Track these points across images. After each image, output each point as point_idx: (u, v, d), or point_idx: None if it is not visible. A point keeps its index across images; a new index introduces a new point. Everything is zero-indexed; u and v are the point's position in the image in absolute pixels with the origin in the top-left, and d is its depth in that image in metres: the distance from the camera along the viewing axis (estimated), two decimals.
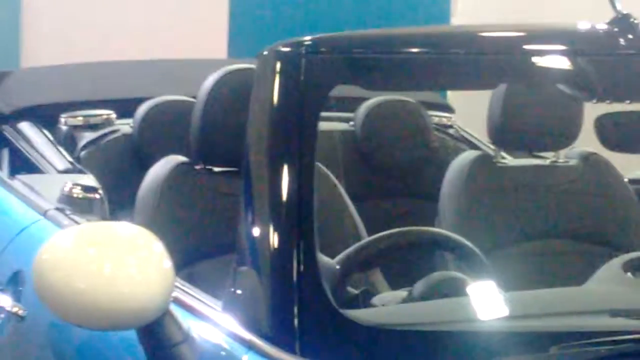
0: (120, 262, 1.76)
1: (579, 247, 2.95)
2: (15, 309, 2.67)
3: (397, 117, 3.61)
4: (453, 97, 4.36)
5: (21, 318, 2.63)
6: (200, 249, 2.72)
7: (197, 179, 2.93)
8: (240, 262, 1.96)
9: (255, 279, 1.93)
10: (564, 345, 1.74)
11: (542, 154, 3.23)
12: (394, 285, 2.33)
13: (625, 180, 3.21)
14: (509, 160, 3.15)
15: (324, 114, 2.24)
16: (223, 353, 1.88)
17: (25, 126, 3.56)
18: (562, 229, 3.02)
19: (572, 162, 3.13)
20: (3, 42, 5.30)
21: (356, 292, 2.22)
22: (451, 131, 3.82)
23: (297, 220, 1.94)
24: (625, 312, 1.96)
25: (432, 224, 2.87)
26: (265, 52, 2.12)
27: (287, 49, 2.11)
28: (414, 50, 2.41)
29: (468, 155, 3.17)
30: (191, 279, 2.43)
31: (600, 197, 3.19)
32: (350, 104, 3.54)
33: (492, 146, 3.19)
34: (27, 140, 3.55)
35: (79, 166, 3.31)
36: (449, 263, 2.55)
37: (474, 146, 3.57)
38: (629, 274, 2.11)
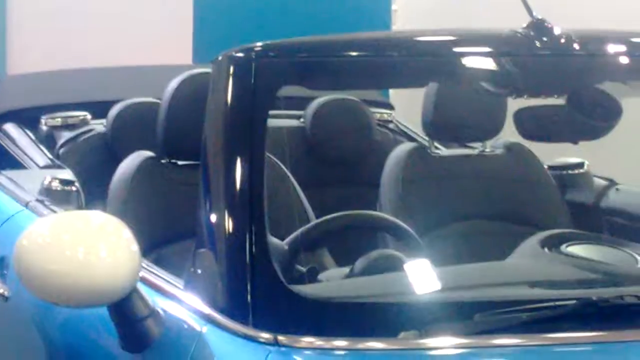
0: (92, 247, 1.82)
1: (503, 227, 2.97)
2: (3, 292, 2.69)
3: (342, 114, 3.65)
4: (395, 95, 4.43)
5: (6, 298, 2.66)
6: (165, 235, 2.73)
7: (162, 171, 2.93)
8: (199, 245, 2.01)
9: (212, 260, 1.98)
10: (488, 313, 1.81)
11: (471, 144, 3.24)
12: (341, 264, 2.35)
13: (545, 166, 3.27)
14: (441, 150, 3.19)
15: (276, 111, 2.44)
16: (185, 326, 1.92)
17: (9, 127, 3.60)
18: (488, 211, 3.04)
19: (498, 151, 3.18)
20: None
21: (303, 270, 2.22)
22: (391, 126, 3.87)
23: (249, 206, 1.97)
24: (541, 283, 2.08)
25: (374, 208, 2.90)
26: (220, 58, 2.14)
27: (239, 55, 2.14)
28: (353, 53, 2.43)
29: (405, 146, 3.22)
30: (158, 262, 2.44)
31: (523, 182, 3.23)
32: (301, 102, 3.58)
33: (426, 138, 3.25)
34: (11, 139, 3.58)
35: (57, 162, 3.35)
36: (388, 243, 2.54)
37: (411, 139, 3.63)
38: (545, 249, 2.19)
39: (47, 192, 2.95)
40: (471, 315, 1.81)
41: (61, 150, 3.51)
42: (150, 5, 5.65)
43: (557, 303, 1.90)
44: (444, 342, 1.78)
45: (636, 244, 2.37)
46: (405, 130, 3.83)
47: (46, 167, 3.29)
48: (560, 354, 1.82)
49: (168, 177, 2.94)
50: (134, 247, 1.86)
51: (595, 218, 3.34)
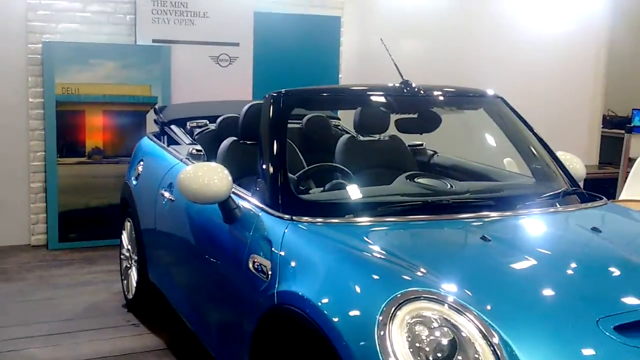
0: (210, 177, 2.73)
1: (389, 171, 3.44)
2: (170, 197, 3.64)
3: (317, 122, 4.31)
4: (341, 114, 5.07)
5: (172, 201, 3.61)
6: (242, 172, 3.25)
7: (240, 146, 3.67)
8: (259, 177, 2.87)
9: (264, 183, 2.83)
10: (384, 206, 2.76)
11: (374, 135, 3.81)
12: (319, 187, 3.19)
13: (407, 145, 4.02)
14: (361, 138, 3.81)
15: (291, 121, 3.37)
16: (252, 212, 2.79)
17: (173, 126, 4.47)
18: (383, 164, 3.64)
19: (386, 138, 3.83)
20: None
21: (303, 188, 3.09)
22: (339, 127, 4.67)
23: (278, 161, 2.85)
24: (406, 194, 3.02)
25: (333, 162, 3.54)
26: (266, 96, 3.15)
27: (274, 94, 3.12)
28: (323, 94, 3.59)
29: (345, 136, 3.86)
30: (239, 184, 3.05)
31: (397, 151, 3.87)
32: (300, 117, 4.32)
33: (355, 133, 3.87)
34: (174, 132, 4.39)
35: (194, 141, 4.15)
36: (339, 177, 3.26)
37: (348, 132, 4.27)
38: (408, 180, 3.14)
39: (190, 155, 3.77)
40: (376, 207, 2.78)
41: (196, 137, 4.26)
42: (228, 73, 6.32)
43: (413, 202, 2.89)
44: (365, 220, 2.65)
45: (446, 178, 3.25)
46: (345, 129, 4.56)
47: (189, 144, 4.06)
48: (413, 225, 2.67)
49: (242, 148, 3.64)
50: (229, 177, 2.75)
51: (428, 168, 3.96)
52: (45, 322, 4.26)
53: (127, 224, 4.59)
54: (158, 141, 4.45)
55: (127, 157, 5.40)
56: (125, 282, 4.67)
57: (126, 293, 4.63)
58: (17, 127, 5.82)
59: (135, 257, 4.37)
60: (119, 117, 5.98)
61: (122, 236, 4.68)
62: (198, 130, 4.40)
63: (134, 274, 4.44)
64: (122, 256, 4.72)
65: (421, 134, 3.70)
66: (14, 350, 3.85)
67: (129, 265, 4.57)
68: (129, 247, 4.56)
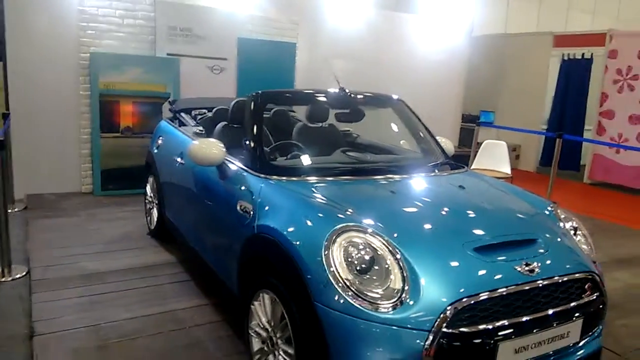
0: (209, 147, 2.79)
1: (328, 148, 3.29)
2: (182, 161, 3.57)
3: (281, 113, 4.04)
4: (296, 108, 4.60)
5: (182, 164, 3.55)
6: (231, 145, 3.03)
7: (229, 128, 3.57)
8: (244, 149, 2.82)
9: (247, 152, 2.79)
10: (326, 170, 2.73)
11: (319, 123, 3.62)
12: (282, 156, 3.08)
13: (340, 130, 3.88)
14: (311, 124, 3.60)
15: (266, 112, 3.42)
16: (238, 172, 2.74)
17: (183, 114, 4.39)
18: (324, 142, 3.47)
19: (326, 125, 3.70)
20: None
21: (273, 157, 3.00)
22: (295, 117, 4.34)
23: (258, 139, 2.82)
24: (341, 162, 3.00)
25: None
26: (249, 94, 3.10)
27: (255, 94, 3.08)
28: (286, 95, 3.63)
29: (300, 123, 3.69)
30: (229, 153, 2.90)
31: (333, 134, 3.75)
32: (269, 110, 3.98)
33: (305, 121, 3.64)
34: (183, 117, 4.33)
35: (198, 124, 4.12)
36: (296, 150, 3.18)
37: (300, 121, 3.91)
38: (342, 153, 3.16)
39: (195, 133, 3.77)
40: (321, 170, 2.74)
41: (198, 121, 4.19)
42: (219, 78, 6.33)
43: (345, 168, 2.88)
44: (313, 178, 2.62)
45: (365, 153, 3.35)
46: (298, 118, 4.30)
47: (194, 126, 4.07)
48: (344, 183, 2.64)
49: (230, 130, 3.54)
50: (223, 147, 2.83)
51: (354, 146, 3.77)
52: (93, 244, 4.22)
53: (150, 179, 4.49)
54: (172, 123, 4.33)
55: (148, 133, 5.30)
56: (148, 218, 4.59)
57: (149, 225, 4.56)
58: (71, 111, 5.68)
59: (156, 201, 4.30)
60: (142, 106, 5.81)
61: (147, 187, 4.59)
62: (200, 116, 4.33)
63: (154, 213, 4.37)
64: (146, 200, 4.64)
65: (351, 123, 3.63)
66: (73, 263, 3.81)
67: (150, 207, 4.49)
68: (151, 194, 4.48)
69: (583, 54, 8.96)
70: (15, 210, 5.01)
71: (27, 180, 5.48)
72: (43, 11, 5.37)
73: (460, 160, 3.34)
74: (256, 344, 2.38)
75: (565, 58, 9.17)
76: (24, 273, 3.55)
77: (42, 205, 5.23)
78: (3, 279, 3.44)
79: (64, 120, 5.65)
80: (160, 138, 4.30)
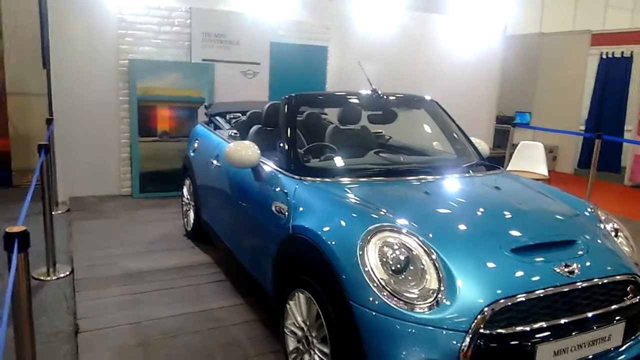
0: (245, 150, 2.83)
1: (360, 149, 3.31)
2: (217, 164, 3.59)
3: (315, 117, 4.20)
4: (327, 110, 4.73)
5: (219, 166, 3.58)
6: (267, 148, 3.17)
7: (264, 131, 3.65)
8: (279, 151, 2.84)
9: (282, 155, 2.80)
10: (360, 172, 2.74)
11: (351, 126, 3.62)
12: (316, 158, 3.09)
13: (372, 132, 3.84)
14: (342, 126, 3.61)
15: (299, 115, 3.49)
16: (273, 174, 2.77)
17: (218, 117, 4.47)
18: (356, 144, 3.47)
19: (358, 127, 3.69)
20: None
21: (306, 159, 2.99)
22: (326, 120, 4.38)
23: (292, 141, 2.83)
24: (375, 163, 2.96)
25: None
26: (283, 97, 3.12)
27: (287, 97, 3.10)
28: (319, 97, 3.55)
29: (332, 125, 3.65)
30: (264, 155, 2.95)
31: (365, 135, 3.73)
32: (301, 113, 4.11)
33: (336, 123, 3.65)
34: (218, 121, 4.40)
35: (232, 127, 4.15)
36: (329, 152, 3.22)
37: (332, 123, 3.83)
38: (375, 154, 3.14)
39: (230, 137, 3.78)
40: (354, 171, 2.74)
41: (233, 125, 4.23)
42: (252, 82, 6.36)
43: (379, 168, 2.85)
44: (347, 180, 2.62)
45: (398, 154, 3.30)
46: (330, 120, 4.28)
47: (229, 129, 4.08)
48: (378, 183, 2.61)
49: (264, 132, 3.63)
50: (257, 151, 2.86)
51: (386, 147, 3.70)
52: (132, 245, 4.31)
53: (187, 181, 4.56)
54: (208, 127, 4.39)
55: (185, 137, 5.41)
56: (185, 219, 4.66)
57: (186, 227, 4.63)
58: (111, 116, 5.82)
59: (193, 203, 4.36)
60: (179, 110, 5.92)
61: (183, 189, 4.67)
62: (234, 120, 4.37)
63: (191, 214, 4.43)
64: (182, 202, 4.71)
65: (384, 124, 3.62)
66: (114, 263, 3.91)
67: (187, 209, 4.56)
68: (188, 196, 4.54)
69: (622, 52, 8.71)
70: (59, 212, 5.18)
71: (69, 183, 5.66)
72: (84, 20, 5.54)
73: (495, 162, 3.30)
74: (292, 343, 2.39)
75: (604, 57, 8.92)
76: (68, 273, 3.67)
77: (84, 207, 5.38)
78: (48, 278, 3.57)
79: (105, 125, 5.80)
80: (197, 141, 4.35)
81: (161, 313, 3.08)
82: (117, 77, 5.76)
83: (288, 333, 2.42)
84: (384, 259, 1.92)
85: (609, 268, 2.10)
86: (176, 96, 5.89)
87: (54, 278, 3.57)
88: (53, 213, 4.24)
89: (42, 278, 3.57)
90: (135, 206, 5.54)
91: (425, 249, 1.96)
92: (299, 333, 2.33)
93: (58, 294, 3.34)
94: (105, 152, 5.86)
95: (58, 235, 4.14)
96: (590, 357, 1.96)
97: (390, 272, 1.90)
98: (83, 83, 5.61)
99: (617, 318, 2.01)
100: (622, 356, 2.07)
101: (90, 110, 5.71)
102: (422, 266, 1.91)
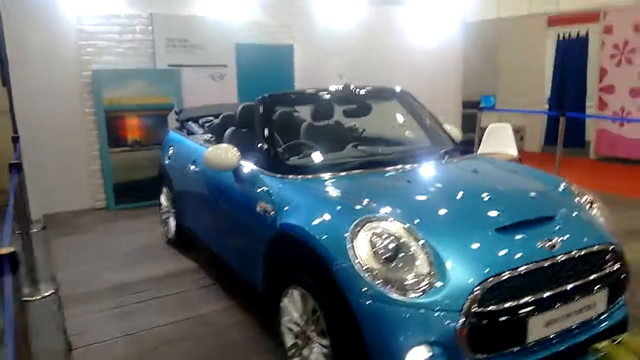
0: (224, 153, 2.82)
1: (336, 144, 3.25)
2: (195, 169, 3.61)
3: (288, 114, 4.10)
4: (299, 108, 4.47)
5: (196, 171, 3.59)
6: (244, 150, 2.98)
7: (239, 132, 3.63)
8: (257, 150, 2.86)
9: (260, 154, 2.84)
10: (340, 166, 2.73)
11: (325, 121, 3.56)
12: (293, 156, 3.01)
13: (345, 125, 3.88)
14: (316, 122, 3.53)
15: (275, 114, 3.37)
16: (254, 173, 2.78)
17: (190, 122, 4.48)
18: (331, 139, 3.36)
19: (331, 122, 3.63)
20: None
21: (286, 157, 2.95)
22: (300, 117, 4.25)
23: (269, 139, 2.87)
24: (353, 156, 3.00)
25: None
26: (258, 98, 3.12)
27: (262, 97, 3.11)
28: (292, 96, 3.61)
29: (306, 122, 3.58)
30: (243, 157, 2.91)
31: (339, 130, 3.71)
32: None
33: (309, 119, 3.57)
34: (191, 126, 4.41)
35: (206, 131, 4.14)
36: (306, 149, 3.10)
37: (304, 120, 3.78)
38: (352, 147, 3.18)
39: (205, 141, 3.81)
40: (334, 166, 2.75)
41: (206, 129, 4.24)
42: (220, 85, 6.42)
43: (359, 161, 2.85)
44: (327, 175, 2.64)
45: (375, 146, 3.33)
46: (302, 117, 4.19)
47: (202, 134, 4.11)
48: (358, 176, 2.64)
49: (240, 133, 3.61)
50: (237, 153, 2.83)
51: (360, 140, 3.60)
52: (114, 257, 4.27)
53: (164, 189, 4.53)
54: (181, 133, 4.36)
55: (157, 144, 5.39)
56: (165, 227, 4.63)
57: (166, 234, 4.59)
58: (78, 129, 5.72)
59: (173, 210, 4.34)
60: (148, 118, 5.87)
61: (161, 197, 4.64)
62: (207, 124, 4.35)
63: (171, 222, 4.41)
64: (161, 211, 4.67)
65: (359, 117, 3.63)
66: (97, 277, 3.87)
67: (167, 217, 4.53)
68: (167, 204, 4.52)
69: (578, 32, 8.97)
70: (34, 230, 5.05)
71: (41, 201, 5.54)
72: (42, 34, 5.41)
73: (465, 146, 3.36)
74: (289, 340, 2.42)
75: (561, 38, 9.18)
76: (52, 291, 3.61)
77: (59, 224, 5.29)
78: (33, 298, 3.50)
79: (72, 139, 5.70)
80: (171, 148, 4.31)
81: (153, 322, 3.07)
82: (81, 89, 5.67)
83: (285, 330, 2.44)
84: (375, 249, 1.96)
85: (585, 240, 2.17)
86: (144, 104, 5.82)
87: (38, 297, 3.52)
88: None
89: (26, 298, 3.49)
90: (111, 218, 5.47)
91: (413, 235, 2.00)
92: (296, 329, 2.35)
93: (45, 312, 3.29)
94: (75, 166, 5.76)
95: (36, 253, 4.02)
96: (580, 323, 2.05)
97: (382, 261, 1.94)
98: (47, 98, 5.51)
99: (599, 286, 2.10)
100: (608, 321, 2.17)
101: (56, 125, 5.60)
102: (411, 252, 1.95)
